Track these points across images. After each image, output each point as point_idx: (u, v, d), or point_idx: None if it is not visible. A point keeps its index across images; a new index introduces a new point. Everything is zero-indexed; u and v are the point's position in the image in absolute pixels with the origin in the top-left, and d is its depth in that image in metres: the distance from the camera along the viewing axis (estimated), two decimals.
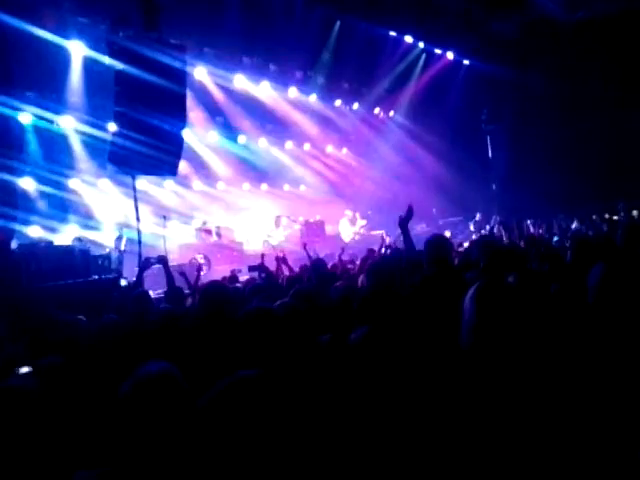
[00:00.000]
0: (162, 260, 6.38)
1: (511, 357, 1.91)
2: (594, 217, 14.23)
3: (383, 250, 8.34)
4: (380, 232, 16.93)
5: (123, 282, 8.42)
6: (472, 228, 16.77)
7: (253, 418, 1.90)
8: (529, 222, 14.06)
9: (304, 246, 8.66)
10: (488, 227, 15.52)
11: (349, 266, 8.07)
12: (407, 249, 4.71)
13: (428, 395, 2.18)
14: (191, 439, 1.87)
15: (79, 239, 11.04)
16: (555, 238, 8.64)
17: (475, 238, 12.98)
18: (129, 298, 5.15)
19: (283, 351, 2.71)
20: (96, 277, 8.67)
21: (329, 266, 7.31)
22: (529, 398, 1.84)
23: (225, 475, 1.87)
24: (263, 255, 7.70)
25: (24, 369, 3.47)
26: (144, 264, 6.38)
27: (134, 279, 6.98)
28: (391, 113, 20.05)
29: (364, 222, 17.14)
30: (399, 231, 5.09)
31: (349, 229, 16.78)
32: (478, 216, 17.22)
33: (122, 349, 3.42)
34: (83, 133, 12.44)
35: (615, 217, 13.74)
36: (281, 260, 7.54)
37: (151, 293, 7.38)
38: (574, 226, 13.05)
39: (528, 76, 17.67)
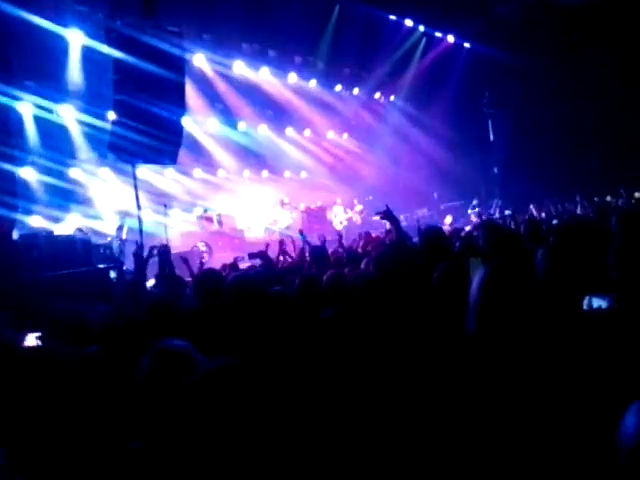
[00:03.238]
0: (163, 248, 6.21)
1: (516, 344, 1.92)
2: (596, 199, 14.21)
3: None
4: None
5: (112, 274, 8.38)
6: (470, 213, 16.70)
7: (231, 405, 1.93)
8: (532, 206, 14.05)
9: (300, 232, 8.64)
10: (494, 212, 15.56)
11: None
12: (398, 238, 4.67)
13: (420, 383, 2.20)
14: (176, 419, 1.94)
15: (80, 229, 11.07)
16: (555, 221, 8.63)
17: (476, 222, 12.97)
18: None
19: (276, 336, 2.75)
20: (98, 266, 8.69)
21: (330, 252, 7.32)
22: (531, 385, 1.85)
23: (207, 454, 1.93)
24: (268, 244, 7.69)
25: (32, 337, 3.59)
26: (137, 250, 6.20)
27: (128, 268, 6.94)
28: (392, 98, 19.97)
29: (360, 207, 17.09)
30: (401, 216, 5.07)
31: (342, 216, 16.71)
32: (475, 201, 17.15)
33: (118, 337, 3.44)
34: (83, 122, 12.41)
35: (613, 199, 13.72)
36: (283, 247, 7.54)
37: (153, 281, 7.42)
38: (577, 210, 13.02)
39: (530, 59, 17.54)
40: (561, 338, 1.99)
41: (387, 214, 4.74)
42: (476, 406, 1.86)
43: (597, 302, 2.29)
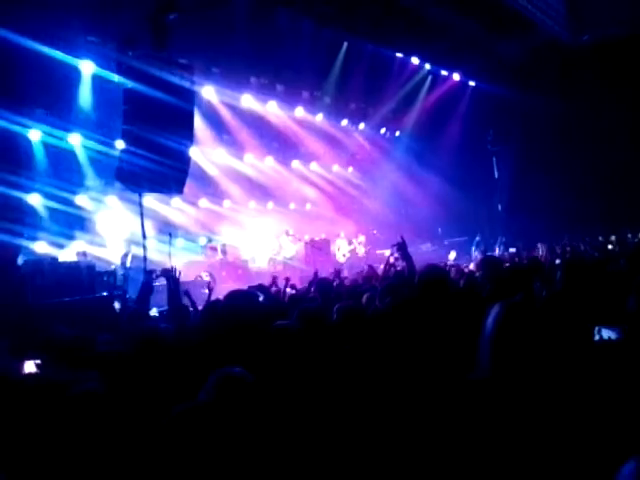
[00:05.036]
0: (165, 273, 5.71)
1: (531, 379, 1.91)
2: (600, 239, 14.21)
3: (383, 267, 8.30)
4: (385, 251, 17.01)
5: (117, 305, 8.31)
6: (474, 250, 16.65)
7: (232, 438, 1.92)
8: (539, 245, 14.03)
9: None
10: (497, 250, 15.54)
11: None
12: (409, 271, 4.69)
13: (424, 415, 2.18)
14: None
15: (84, 254, 11.08)
16: (557, 261, 8.60)
17: (480, 259, 12.96)
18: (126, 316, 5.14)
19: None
20: (101, 294, 8.68)
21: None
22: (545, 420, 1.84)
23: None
24: (275, 277, 7.67)
25: (31, 364, 3.58)
26: (147, 277, 5.88)
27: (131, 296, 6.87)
28: (397, 133, 20.16)
29: (362, 238, 17.15)
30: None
31: (345, 249, 16.74)
32: (478, 237, 17.12)
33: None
34: (91, 150, 12.52)
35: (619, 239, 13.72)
36: (287, 280, 7.53)
37: (154, 311, 7.39)
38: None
39: (534, 98, 17.74)
40: (574, 369, 1.98)
41: (401, 246, 4.80)
42: (492, 444, 1.84)
43: (607, 333, 2.31)
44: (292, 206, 18.23)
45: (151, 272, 6.08)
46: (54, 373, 3.45)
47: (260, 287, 6.74)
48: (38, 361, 3.81)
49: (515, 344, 1.95)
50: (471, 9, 14.70)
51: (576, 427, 1.83)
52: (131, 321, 5.22)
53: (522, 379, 1.90)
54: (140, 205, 10.41)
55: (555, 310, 2.70)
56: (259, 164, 16.77)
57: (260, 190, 17.15)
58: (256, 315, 3.78)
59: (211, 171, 15.67)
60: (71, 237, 12.33)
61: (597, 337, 2.37)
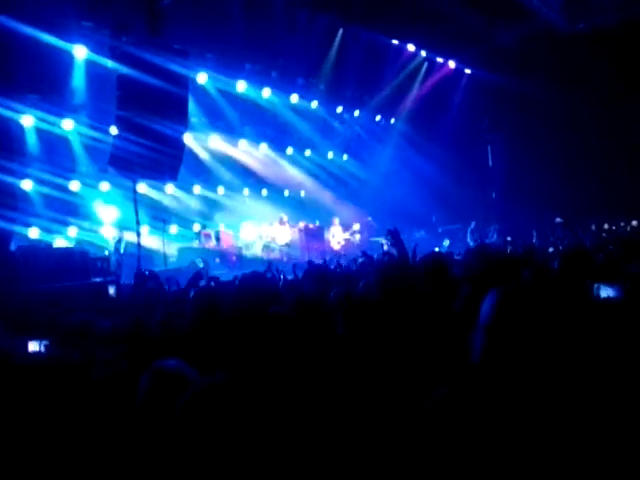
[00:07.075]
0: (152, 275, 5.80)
1: (527, 367, 1.91)
2: (593, 227, 14.28)
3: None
4: (379, 238, 17.05)
5: (111, 290, 8.31)
6: (469, 237, 16.68)
7: (223, 425, 1.91)
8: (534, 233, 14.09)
9: (293, 267, 8.58)
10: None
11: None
12: (400, 257, 4.76)
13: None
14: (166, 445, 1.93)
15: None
16: (550, 249, 8.65)
17: (472, 246, 12.99)
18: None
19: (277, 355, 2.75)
20: (95, 280, 8.68)
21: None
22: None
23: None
24: (270, 264, 7.70)
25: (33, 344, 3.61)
26: (138, 277, 5.87)
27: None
28: (392, 120, 20.11)
29: (357, 226, 17.19)
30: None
31: (340, 236, 16.78)
32: (473, 224, 17.12)
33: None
34: (84, 136, 12.46)
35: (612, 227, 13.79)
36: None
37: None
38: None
39: (529, 86, 17.73)
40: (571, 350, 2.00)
41: (395, 234, 4.91)
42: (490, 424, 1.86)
43: (605, 291, 2.34)
44: (287, 193, 18.20)
45: (142, 275, 6.09)
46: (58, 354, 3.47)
47: (255, 273, 6.75)
48: (41, 341, 3.84)
49: (513, 330, 1.96)
50: None
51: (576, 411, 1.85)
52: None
53: (519, 365, 1.90)
54: (134, 191, 10.39)
55: (551, 296, 2.72)
56: (253, 151, 16.72)
57: (254, 177, 17.11)
58: (266, 298, 3.80)
59: (205, 158, 15.62)
60: (64, 223, 12.30)
61: (595, 295, 2.42)
